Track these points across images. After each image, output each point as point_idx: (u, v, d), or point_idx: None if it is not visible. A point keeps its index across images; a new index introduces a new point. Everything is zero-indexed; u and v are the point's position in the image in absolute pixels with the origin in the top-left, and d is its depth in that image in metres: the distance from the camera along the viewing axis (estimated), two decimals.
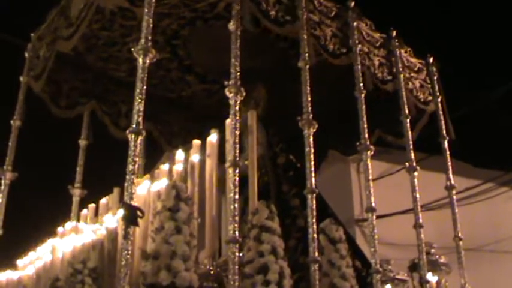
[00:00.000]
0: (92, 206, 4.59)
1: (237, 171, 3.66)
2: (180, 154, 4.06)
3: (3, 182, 4.69)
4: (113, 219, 3.69)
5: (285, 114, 4.44)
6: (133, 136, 3.37)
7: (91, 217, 4.50)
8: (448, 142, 5.52)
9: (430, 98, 5.62)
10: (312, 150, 4.21)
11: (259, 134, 5.19)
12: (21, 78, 5.05)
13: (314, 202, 4.04)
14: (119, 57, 5.31)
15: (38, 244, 4.55)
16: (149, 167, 5.44)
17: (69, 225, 4.51)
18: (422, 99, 5.53)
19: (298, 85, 4.39)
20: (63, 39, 4.58)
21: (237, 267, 3.40)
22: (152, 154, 5.82)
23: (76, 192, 5.26)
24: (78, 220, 4.75)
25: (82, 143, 5.42)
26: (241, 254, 3.59)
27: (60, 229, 4.50)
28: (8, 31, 6.87)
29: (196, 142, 4.08)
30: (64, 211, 5.15)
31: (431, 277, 5.08)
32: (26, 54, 5.17)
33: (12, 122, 4.88)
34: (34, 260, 4.27)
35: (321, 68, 4.86)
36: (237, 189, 3.60)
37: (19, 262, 4.57)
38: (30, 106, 5.06)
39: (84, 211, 4.69)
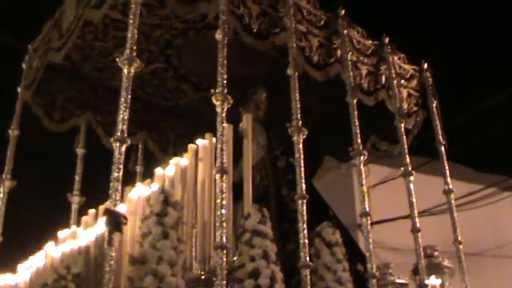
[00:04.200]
0: (92, 211, 4.63)
1: (225, 177, 3.66)
2: (173, 160, 4.10)
3: (2, 190, 4.73)
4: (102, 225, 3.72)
5: (286, 118, 4.43)
6: (117, 144, 3.41)
7: (90, 223, 4.52)
8: (449, 147, 5.49)
9: (415, 108, 5.56)
10: (302, 156, 4.22)
11: (260, 137, 5.23)
12: (19, 89, 5.11)
13: (304, 208, 4.05)
14: (114, 67, 5.33)
15: (36, 251, 4.59)
16: (147, 175, 5.46)
17: (68, 231, 4.55)
18: (405, 111, 5.44)
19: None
20: (54, 50, 4.66)
21: (224, 272, 3.41)
22: (150, 161, 5.84)
23: (75, 200, 5.33)
24: (77, 227, 4.79)
25: (80, 151, 5.47)
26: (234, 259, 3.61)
27: (60, 234, 4.55)
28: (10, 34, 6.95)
29: (191, 146, 4.11)
30: (63, 218, 5.21)
31: (435, 280, 5.07)
32: (23, 66, 5.24)
33: (10, 131, 4.93)
34: (30, 266, 4.32)
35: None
36: (224, 195, 3.61)
37: (18, 268, 4.62)
38: (29, 114, 5.13)
39: (85, 217, 4.73)
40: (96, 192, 4.71)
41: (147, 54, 5.40)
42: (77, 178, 5.38)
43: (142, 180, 5.24)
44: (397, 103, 5.23)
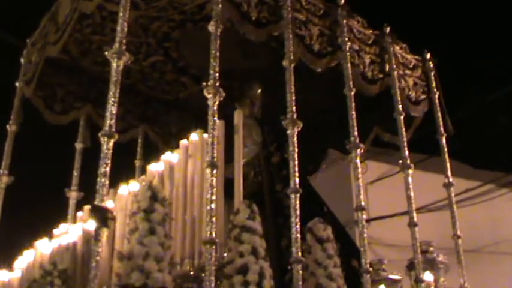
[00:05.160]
0: (87, 207, 4.63)
1: (215, 171, 3.64)
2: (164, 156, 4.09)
3: None
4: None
5: (281, 113, 4.38)
6: (105, 139, 3.39)
7: (85, 219, 4.52)
8: (448, 143, 5.42)
9: (422, 96, 5.50)
10: (296, 150, 4.18)
11: (255, 134, 5.20)
12: (17, 84, 5.11)
13: (297, 202, 4.02)
14: None
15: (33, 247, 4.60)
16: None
17: (63, 227, 4.56)
18: (413, 99, 5.41)
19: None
20: (51, 44, 4.65)
21: (213, 267, 3.39)
22: (150, 156, 5.84)
23: (72, 195, 5.32)
24: (74, 222, 4.80)
25: (78, 146, 5.47)
26: (225, 255, 3.60)
27: (55, 231, 4.56)
28: (8, 32, 6.97)
29: (183, 142, 4.09)
30: (61, 214, 5.21)
31: (429, 276, 5.02)
32: (22, 60, 5.24)
33: (8, 126, 4.94)
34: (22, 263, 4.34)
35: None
36: (214, 190, 3.59)
37: (15, 264, 4.64)
38: (27, 110, 5.12)
39: (79, 213, 4.74)
40: (94, 188, 4.72)
41: (146, 47, 5.40)
42: (75, 173, 5.37)
43: (142, 175, 5.26)
44: (398, 93, 5.15)
